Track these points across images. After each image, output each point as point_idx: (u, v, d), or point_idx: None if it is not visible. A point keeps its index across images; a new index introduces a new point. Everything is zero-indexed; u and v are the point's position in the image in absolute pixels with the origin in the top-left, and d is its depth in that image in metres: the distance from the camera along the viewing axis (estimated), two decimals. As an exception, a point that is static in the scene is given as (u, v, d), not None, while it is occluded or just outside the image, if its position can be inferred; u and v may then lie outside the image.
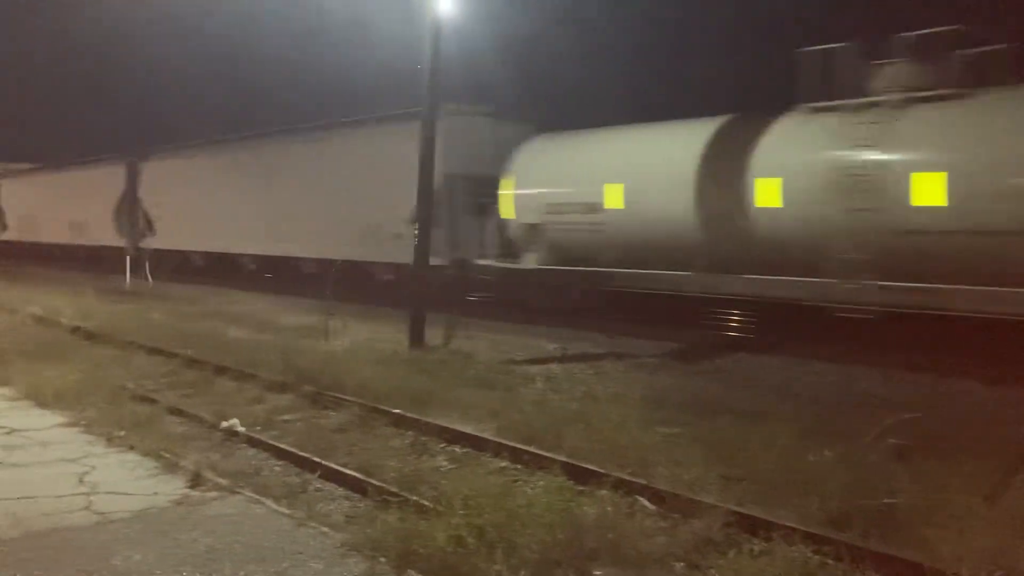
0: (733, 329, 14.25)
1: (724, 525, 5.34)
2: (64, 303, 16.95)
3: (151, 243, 27.76)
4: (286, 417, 8.48)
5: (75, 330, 13.54)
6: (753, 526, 5.31)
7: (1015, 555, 4.60)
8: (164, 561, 4.80)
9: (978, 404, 8.89)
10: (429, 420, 7.90)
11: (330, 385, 9.26)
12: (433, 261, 13.11)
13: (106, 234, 30.12)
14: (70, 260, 33.82)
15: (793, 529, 5.10)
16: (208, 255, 25.67)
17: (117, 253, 28.28)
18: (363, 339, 13.12)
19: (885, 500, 5.61)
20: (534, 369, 11.05)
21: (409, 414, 8.12)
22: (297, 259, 21.33)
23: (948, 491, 5.64)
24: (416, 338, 12.10)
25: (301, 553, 4.97)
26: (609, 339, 13.56)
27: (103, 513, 5.58)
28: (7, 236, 39.25)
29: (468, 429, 7.69)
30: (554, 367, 11.29)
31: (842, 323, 11.47)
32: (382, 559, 4.80)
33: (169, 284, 24.22)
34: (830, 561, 4.84)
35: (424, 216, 12.45)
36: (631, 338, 13.48)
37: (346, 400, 8.68)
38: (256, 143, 23.86)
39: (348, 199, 19.09)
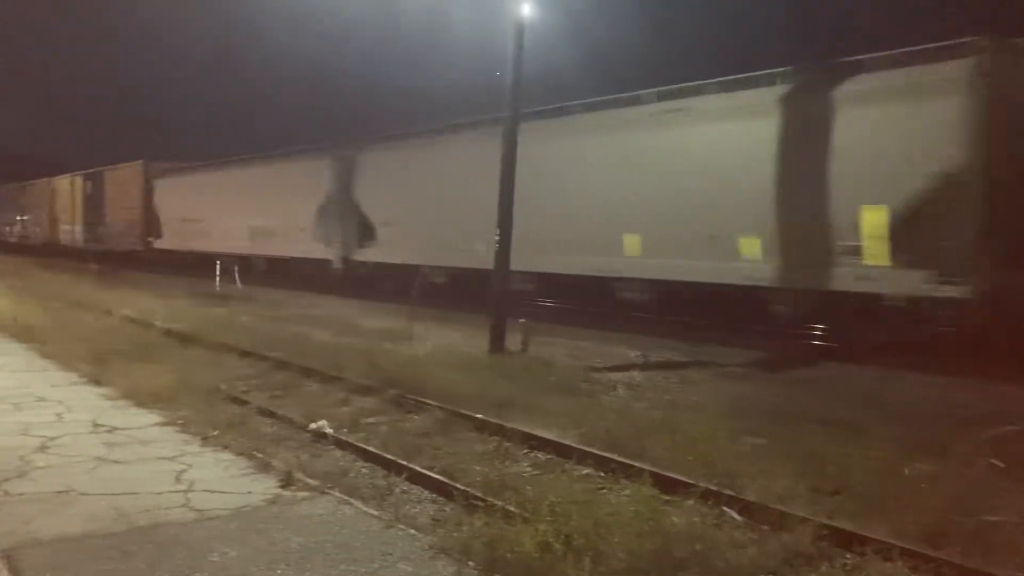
0: (819, 338, 13.94)
1: (815, 538, 5.23)
2: (156, 306, 17.61)
3: (370, 255, 22.79)
4: (371, 420, 8.63)
5: (168, 332, 14.02)
6: (846, 540, 5.18)
7: None
8: (259, 559, 4.93)
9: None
10: (512, 426, 7.93)
11: (413, 389, 9.38)
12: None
13: (302, 243, 25.38)
14: (162, 265, 34.92)
15: (889, 544, 4.97)
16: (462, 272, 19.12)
17: (316, 266, 24.45)
18: (444, 344, 13.27)
19: (985, 517, 5.41)
20: (615, 376, 11.00)
21: (492, 419, 8.17)
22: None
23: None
24: (496, 343, 12.17)
25: (391, 554, 5.04)
26: (692, 347, 13.42)
27: (200, 510, 5.76)
28: (163, 244, 34.83)
29: (551, 436, 7.70)
30: (636, 374, 11.23)
31: (937, 332, 11.12)
32: (470, 563, 4.84)
33: (255, 287, 24.90)
34: (927, 579, 4.70)
35: (505, 222, 12.50)
36: (714, 346, 13.31)
37: (429, 404, 8.79)
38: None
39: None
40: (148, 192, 36.26)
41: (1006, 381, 10.02)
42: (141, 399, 9.06)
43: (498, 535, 5.05)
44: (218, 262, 26.75)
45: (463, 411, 8.44)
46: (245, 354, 12.03)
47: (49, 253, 45.27)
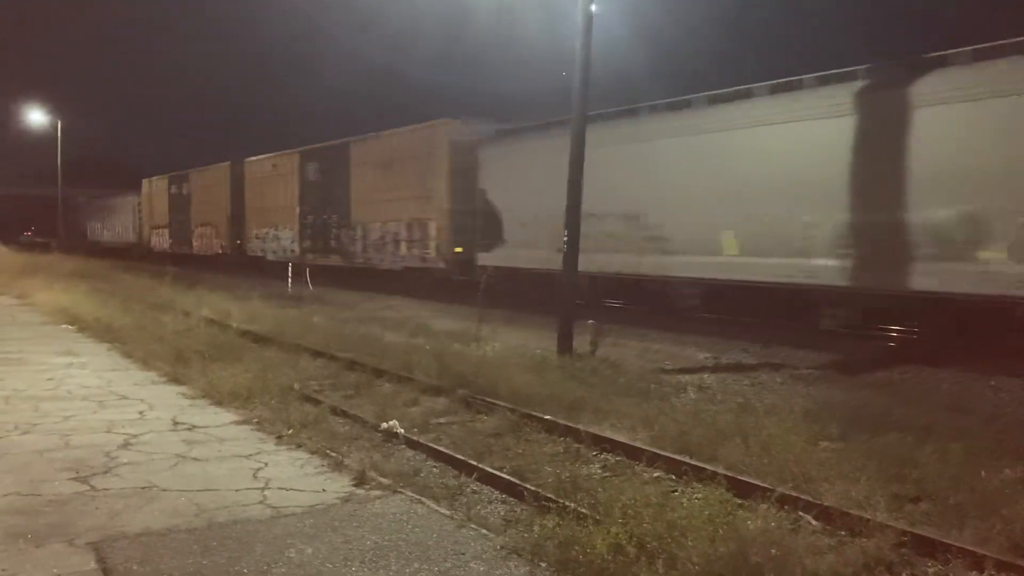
0: (897, 340, 13.58)
1: (896, 545, 5.09)
2: (232, 307, 18.03)
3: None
4: (441, 420, 8.71)
5: (244, 333, 14.35)
6: (928, 548, 5.03)
7: None
8: (334, 556, 5.02)
9: None
10: (582, 427, 7.91)
11: (483, 390, 9.43)
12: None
13: None
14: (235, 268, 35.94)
15: (972, 553, 4.81)
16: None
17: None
18: (512, 345, 13.31)
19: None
20: (686, 378, 10.88)
21: (561, 421, 8.16)
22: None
23: None
24: (565, 345, 12.14)
25: (463, 554, 5.08)
26: (763, 349, 13.20)
27: (277, 507, 5.88)
28: (496, 260, 20.72)
29: (621, 438, 7.66)
30: (707, 377, 11.09)
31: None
32: (542, 564, 4.85)
33: (326, 289, 25.33)
34: (1017, 590, 4.53)
35: (573, 223, 12.45)
36: (787, 348, 13.07)
37: (499, 405, 8.81)
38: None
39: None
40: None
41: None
42: (218, 398, 9.30)
43: (570, 536, 5.04)
44: (290, 264, 27.29)
45: (533, 412, 8.44)
46: (318, 354, 12.24)
47: (137, 257, 46.69)
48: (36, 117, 54.97)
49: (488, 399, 9.09)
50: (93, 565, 4.81)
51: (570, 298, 12.46)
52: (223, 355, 11.63)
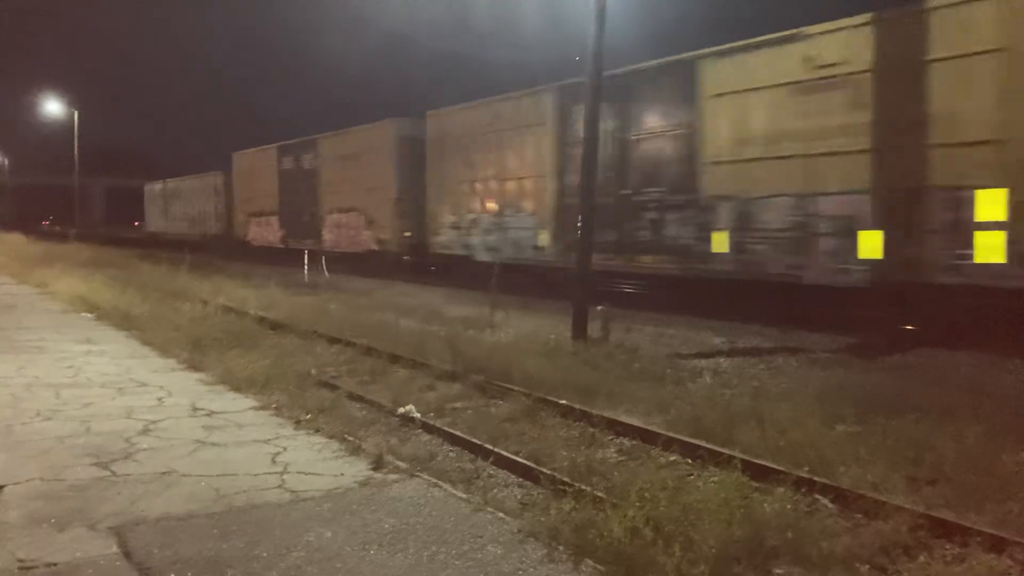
0: (912, 323, 13.49)
1: (912, 528, 5.09)
2: (249, 295, 18.13)
3: None
4: (457, 405, 8.74)
5: (261, 320, 14.43)
6: (945, 530, 5.03)
7: None
8: (353, 539, 5.06)
9: None
10: (597, 412, 7.92)
11: (497, 375, 9.46)
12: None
13: None
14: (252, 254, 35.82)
15: (990, 536, 4.80)
16: None
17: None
18: (526, 331, 13.34)
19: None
20: (701, 363, 10.87)
21: (576, 405, 8.18)
22: None
23: None
24: (579, 330, 12.14)
25: (480, 537, 5.11)
26: (778, 333, 13.16)
27: (295, 491, 5.93)
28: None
29: (637, 422, 7.67)
30: (722, 361, 11.08)
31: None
32: (559, 547, 4.87)
33: (341, 277, 25.42)
34: (1035, 572, 4.52)
35: (587, 207, 12.43)
36: (803, 331, 13.03)
37: (513, 390, 8.84)
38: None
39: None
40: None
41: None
42: (236, 384, 9.37)
43: (587, 520, 5.06)
44: (306, 252, 27.35)
45: (548, 397, 8.47)
46: (334, 341, 12.31)
47: (223, 252, 37.48)
48: (53, 107, 55.28)
49: (502, 384, 9.12)
50: (115, 549, 4.87)
51: (584, 283, 12.45)
52: (240, 342, 11.71)
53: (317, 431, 7.45)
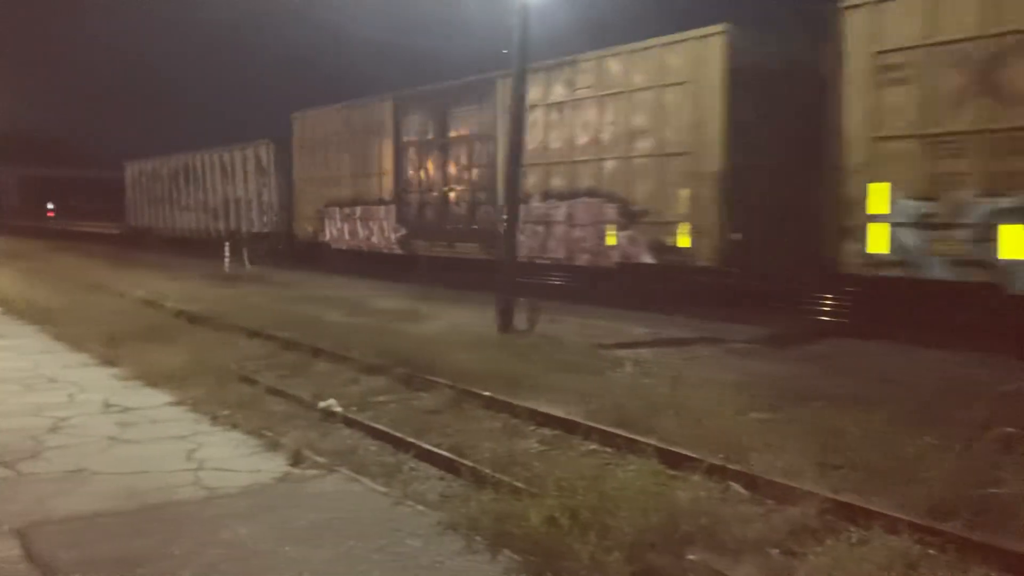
0: (827, 314, 13.92)
1: (820, 512, 5.25)
2: (169, 287, 17.70)
3: None
4: (380, 398, 8.69)
5: (179, 313, 14.11)
6: (851, 514, 5.21)
7: None
8: (270, 535, 5.00)
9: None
10: (520, 403, 7.97)
11: (422, 367, 9.43)
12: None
13: None
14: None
15: (893, 518, 4.99)
16: None
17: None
18: (454, 323, 13.32)
19: (990, 490, 5.43)
20: (623, 353, 11.01)
21: (500, 397, 8.21)
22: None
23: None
24: (505, 322, 12.19)
25: (399, 530, 5.10)
26: (700, 323, 13.42)
27: (211, 488, 5.83)
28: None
29: (559, 412, 7.74)
30: (644, 351, 11.24)
31: (946, 307, 11.09)
32: (478, 538, 4.90)
33: (266, 269, 24.99)
34: (933, 552, 4.71)
35: (513, 200, 12.48)
36: (722, 323, 13.31)
37: (438, 382, 8.83)
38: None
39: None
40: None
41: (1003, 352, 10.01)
42: (153, 379, 9.15)
43: (505, 510, 5.09)
44: (226, 243, 26.82)
45: (472, 389, 8.48)
46: (256, 335, 12.11)
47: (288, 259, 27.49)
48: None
49: (428, 377, 9.10)
50: (17, 552, 4.71)
51: (510, 276, 12.50)
52: (158, 336, 11.43)
53: (235, 427, 7.33)
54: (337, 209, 25.18)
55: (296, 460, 6.37)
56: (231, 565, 4.59)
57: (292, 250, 28.10)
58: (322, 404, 8.08)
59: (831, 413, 7.26)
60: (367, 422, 7.61)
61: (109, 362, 10.27)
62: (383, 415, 7.99)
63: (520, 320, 12.35)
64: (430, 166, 21.11)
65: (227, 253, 25.90)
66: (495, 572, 4.59)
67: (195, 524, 5.15)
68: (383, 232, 23.01)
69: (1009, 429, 6.63)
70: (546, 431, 7.45)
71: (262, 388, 8.76)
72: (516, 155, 12.44)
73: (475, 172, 19.87)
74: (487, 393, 8.32)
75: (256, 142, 30.58)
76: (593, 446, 6.89)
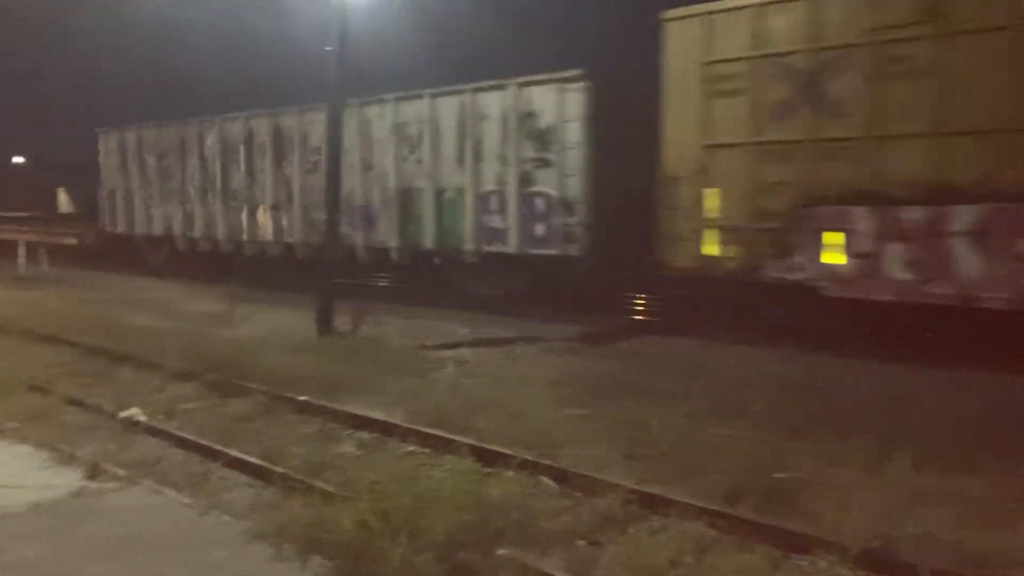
0: (640, 313, 14.57)
1: (625, 503, 5.49)
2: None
3: None
4: (189, 406, 8.31)
5: (-37, 320, 12.94)
6: (652, 503, 5.48)
7: (892, 523, 4.88)
8: (60, 554, 4.70)
9: (869, 382, 9.30)
10: (336, 407, 7.86)
11: (236, 373, 9.10)
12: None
13: None
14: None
15: (688, 505, 5.29)
16: None
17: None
18: (272, 326, 12.94)
19: (777, 475, 5.87)
20: (445, 354, 11.07)
21: (316, 401, 8.06)
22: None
23: (837, 465, 5.95)
24: (324, 325, 11.97)
25: (205, 542, 4.93)
26: (521, 323, 13.69)
27: (-6, 508, 5.40)
28: None
29: (377, 415, 7.68)
30: (466, 351, 11.34)
31: (767, 307, 11.84)
32: (287, 545, 4.80)
33: (68, 270, 23.29)
34: (724, 535, 5.04)
35: (333, 200, 12.28)
36: (542, 322, 13.63)
37: (252, 388, 8.55)
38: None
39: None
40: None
41: (815, 349, 10.82)
42: (-71, 393, 8.35)
43: (317, 516, 5.03)
44: (20, 243, 24.80)
45: (287, 394, 8.28)
46: (54, 340, 11.29)
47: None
48: None
49: (241, 382, 8.79)
50: None
51: (329, 277, 12.29)
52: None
53: (24, 440, 6.82)
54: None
55: (93, 473, 6.03)
56: (14, 590, 4.28)
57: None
58: (124, 414, 7.65)
59: (640, 408, 7.61)
60: (173, 431, 7.27)
61: None
62: (191, 423, 7.65)
63: (342, 322, 12.17)
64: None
65: (21, 253, 23.99)
66: (304, 579, 4.51)
67: (-27, 548, 4.76)
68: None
69: (795, 417, 7.21)
70: (364, 434, 7.38)
71: (57, 398, 8.19)
72: (335, 154, 12.30)
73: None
74: (303, 397, 8.15)
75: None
76: (411, 448, 6.89)
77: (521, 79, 14.75)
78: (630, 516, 5.39)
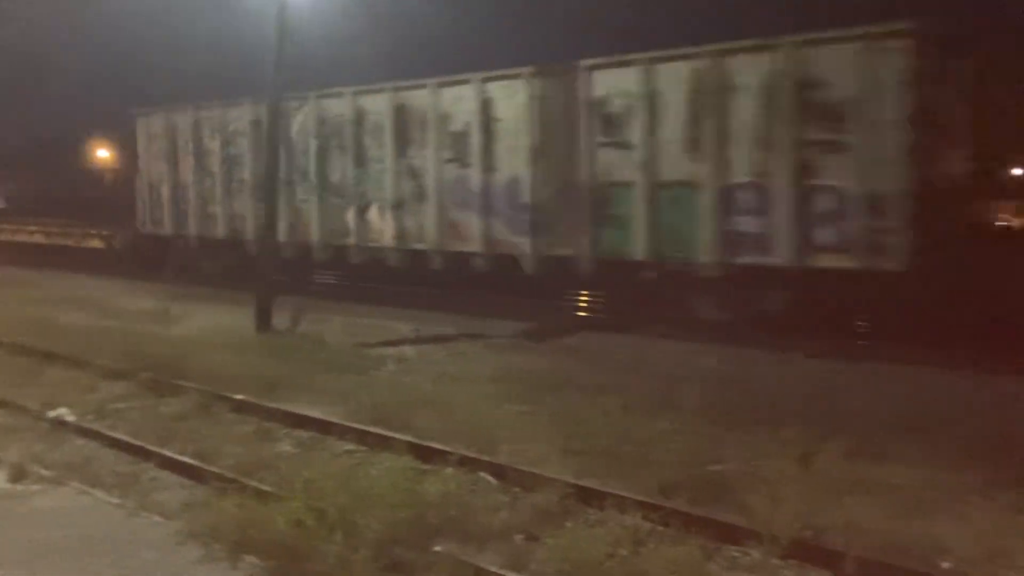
0: (584, 309, 14.63)
1: (562, 497, 5.52)
2: None
3: None
4: (121, 405, 8.14)
5: None
6: (589, 497, 5.52)
7: (821, 515, 4.99)
8: (-20, 560, 4.55)
9: (800, 376, 9.47)
10: (273, 405, 7.76)
11: (171, 372, 8.93)
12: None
13: None
14: None
15: (624, 498, 5.34)
16: None
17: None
18: (210, 323, 12.72)
19: (711, 467, 5.96)
20: (387, 351, 11.00)
21: (253, 400, 7.95)
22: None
23: (769, 457, 6.06)
24: (263, 322, 11.81)
25: (134, 543, 4.84)
26: (464, 320, 13.65)
27: (-91, 515, 5.21)
28: None
29: (315, 413, 7.60)
30: (407, 349, 11.28)
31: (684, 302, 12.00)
32: (218, 545, 4.73)
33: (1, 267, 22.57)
34: (659, 527, 5.10)
35: (269, 195, 12.14)
36: (484, 319, 13.61)
37: (187, 387, 8.40)
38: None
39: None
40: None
41: (748, 344, 10.99)
42: None
43: (250, 516, 4.95)
44: None
45: (223, 393, 8.14)
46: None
47: None
48: None
49: (176, 381, 8.63)
50: None
51: (268, 273, 12.14)
52: None
53: (-58, 443, 6.59)
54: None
55: (18, 476, 5.86)
56: (-70, 597, 4.14)
57: None
58: (52, 414, 7.45)
59: (579, 402, 7.66)
60: (104, 431, 7.10)
61: None
62: (123, 423, 7.50)
63: (283, 319, 12.01)
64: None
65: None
66: (235, 579, 4.45)
67: None
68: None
69: (729, 411, 7.33)
70: (301, 433, 7.30)
71: (-18, 398, 7.94)
72: (274, 150, 12.15)
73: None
74: (239, 396, 8.02)
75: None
76: (349, 446, 6.84)
77: (799, 37, 11.14)
78: (568, 510, 5.42)
